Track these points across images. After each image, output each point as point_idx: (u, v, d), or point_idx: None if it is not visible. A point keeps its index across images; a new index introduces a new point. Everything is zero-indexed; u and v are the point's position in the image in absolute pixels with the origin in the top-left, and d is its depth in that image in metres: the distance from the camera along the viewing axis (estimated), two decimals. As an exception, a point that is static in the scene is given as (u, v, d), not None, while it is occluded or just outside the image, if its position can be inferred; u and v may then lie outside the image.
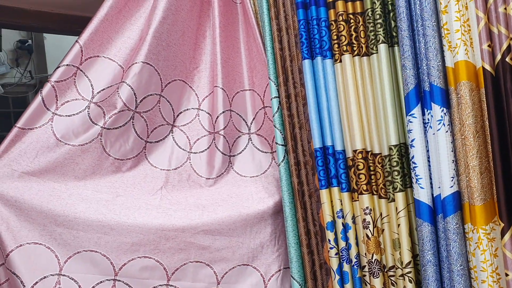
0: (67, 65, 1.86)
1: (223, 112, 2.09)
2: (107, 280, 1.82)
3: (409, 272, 1.63)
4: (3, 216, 1.71)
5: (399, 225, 1.65)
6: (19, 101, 4.59)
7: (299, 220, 1.87)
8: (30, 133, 1.79)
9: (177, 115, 2.13)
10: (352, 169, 1.77)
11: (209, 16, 2.20)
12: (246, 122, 2.18)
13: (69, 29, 2.35)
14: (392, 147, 1.66)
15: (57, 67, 1.85)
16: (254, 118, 2.17)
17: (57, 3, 2.15)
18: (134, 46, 2.01)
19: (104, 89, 1.92)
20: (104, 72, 1.95)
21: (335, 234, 1.82)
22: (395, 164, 1.66)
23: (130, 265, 1.82)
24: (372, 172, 1.75)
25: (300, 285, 1.85)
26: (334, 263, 1.81)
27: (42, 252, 1.75)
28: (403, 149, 1.68)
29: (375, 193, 1.75)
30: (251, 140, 2.16)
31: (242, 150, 2.15)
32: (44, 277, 1.75)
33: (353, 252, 1.79)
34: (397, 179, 1.65)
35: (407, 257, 1.64)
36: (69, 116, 1.86)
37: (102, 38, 1.95)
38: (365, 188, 1.74)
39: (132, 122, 1.96)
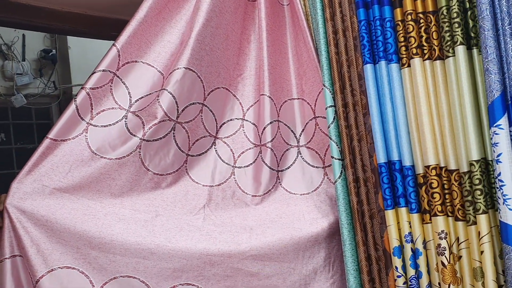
0: (103, 70, 1.69)
1: (270, 122, 1.91)
2: (145, 309, 1.63)
3: (496, 307, 1.42)
4: (33, 237, 1.53)
5: (482, 252, 1.43)
6: (42, 112, 4.46)
7: (358, 244, 1.67)
8: (63, 145, 1.62)
9: (220, 126, 1.95)
10: (424, 187, 1.57)
11: (253, 19, 2.03)
12: (294, 134, 1.98)
13: (103, 33, 2.19)
14: (474, 163, 1.45)
15: (93, 73, 1.68)
16: (303, 130, 1.98)
17: (91, 4, 1.98)
18: (175, 50, 1.84)
19: (142, 97, 1.75)
20: (142, 78, 1.78)
21: (403, 260, 1.61)
22: (477, 182, 1.45)
23: (172, 293, 1.64)
24: (447, 191, 1.54)
25: (359, 316, 1.64)
26: (401, 294, 1.60)
27: (75, 278, 1.57)
28: (483, 165, 1.47)
29: (450, 214, 1.54)
30: (300, 154, 1.96)
31: (291, 165, 1.95)
32: (78, 306, 1.56)
33: (424, 281, 1.58)
34: (479, 199, 1.44)
35: (492, 289, 1.42)
36: (105, 126, 1.68)
37: (140, 41, 1.79)
38: (439, 209, 1.54)
39: (173, 133, 1.78)
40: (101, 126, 1.68)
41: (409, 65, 1.59)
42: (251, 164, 1.92)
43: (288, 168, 1.96)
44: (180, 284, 1.64)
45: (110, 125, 1.69)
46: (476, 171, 1.45)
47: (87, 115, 1.67)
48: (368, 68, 1.66)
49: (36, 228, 1.53)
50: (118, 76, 1.73)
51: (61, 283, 1.55)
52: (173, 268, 1.62)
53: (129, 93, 1.75)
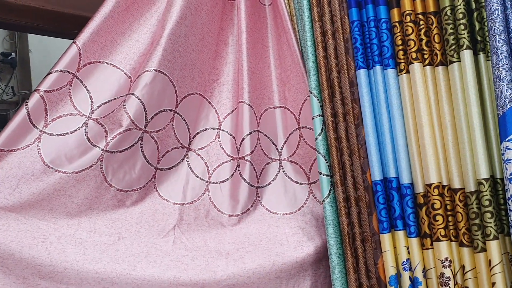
0: (61, 70, 1.47)
1: (249, 133, 1.71)
2: None
3: None
4: (-30, 266, 1.29)
5: (494, 283, 1.26)
6: (0, 119, 4.17)
7: (349, 272, 1.48)
8: (11, 156, 1.39)
9: (194, 136, 1.74)
10: (424, 208, 1.40)
11: (232, 19, 1.85)
12: (276, 146, 1.79)
13: (64, 30, 1.96)
14: (483, 182, 1.28)
15: (48, 73, 1.46)
16: (286, 141, 1.79)
17: (49, -3, 1.76)
18: (144, 51, 1.64)
19: (106, 102, 1.54)
20: (106, 81, 1.57)
21: (400, 290, 1.43)
22: (487, 203, 1.28)
23: (136, 329, 1.41)
24: (450, 213, 1.37)
25: None
26: (398, 328, 1.42)
27: (20, 314, 1.33)
28: (492, 184, 1.31)
29: (454, 239, 1.37)
30: (282, 168, 1.77)
31: (272, 180, 1.76)
32: None
33: (424, 314, 1.40)
34: (490, 223, 1.28)
35: (505, 325, 1.26)
36: (61, 135, 1.46)
37: (105, 40, 1.57)
38: (442, 233, 1.36)
39: (141, 144, 1.56)
40: (57, 134, 1.46)
41: (407, 71, 1.44)
42: (227, 179, 1.72)
43: (268, 184, 1.76)
44: None
45: (67, 133, 1.47)
46: (486, 191, 1.28)
47: (40, 121, 1.44)
48: (362, 73, 1.49)
49: (-27, 255, 1.29)
50: (78, 78, 1.51)
51: (2, 322, 1.31)
52: None
53: (90, 97, 1.53)
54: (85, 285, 1.37)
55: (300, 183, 1.76)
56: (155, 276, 1.42)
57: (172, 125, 1.66)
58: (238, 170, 1.71)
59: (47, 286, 1.35)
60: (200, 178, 1.71)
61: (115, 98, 1.55)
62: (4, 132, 1.39)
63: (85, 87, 1.53)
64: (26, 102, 1.42)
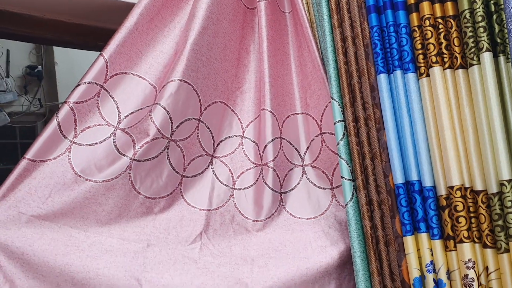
0: (89, 82, 1.52)
1: (272, 140, 1.74)
2: None
3: None
4: (7, 273, 1.34)
5: (518, 284, 1.27)
6: (27, 131, 4.26)
7: (373, 274, 1.49)
8: (43, 166, 1.44)
9: (218, 144, 1.78)
10: (447, 211, 1.41)
11: (253, 27, 1.88)
12: (299, 152, 1.82)
13: (89, 43, 2.02)
14: (505, 183, 1.29)
15: (77, 85, 1.51)
16: (308, 147, 1.82)
17: (75, 11, 1.81)
18: (168, 61, 1.68)
19: (133, 112, 1.58)
20: (133, 92, 1.61)
21: (425, 293, 1.44)
22: (509, 204, 1.29)
23: (167, 333, 1.45)
24: (473, 215, 1.38)
25: None
26: (423, 330, 1.42)
27: (55, 319, 1.38)
28: (514, 185, 1.32)
29: (477, 241, 1.38)
30: (305, 174, 1.79)
31: (296, 186, 1.78)
32: None
33: (449, 316, 1.40)
34: (513, 223, 1.28)
35: (530, 326, 1.26)
36: (90, 145, 1.51)
37: (130, 51, 1.62)
38: (466, 234, 1.37)
39: (167, 152, 1.61)
40: (86, 144, 1.50)
41: (428, 75, 1.45)
42: (251, 185, 1.75)
43: (292, 189, 1.78)
44: None
45: (96, 143, 1.51)
46: (508, 192, 1.29)
47: (70, 132, 1.50)
48: (382, 78, 1.51)
49: (10, 262, 1.35)
50: (105, 89, 1.56)
51: (39, 326, 1.36)
52: None
53: (117, 108, 1.58)
54: (116, 292, 1.42)
55: (323, 188, 1.77)
56: (182, 284, 1.46)
57: (197, 133, 1.70)
58: (262, 177, 1.74)
59: (80, 292, 1.40)
60: (225, 184, 1.74)
61: (141, 108, 1.59)
62: (36, 143, 1.44)
63: (112, 97, 1.58)
64: (56, 113, 1.47)
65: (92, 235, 1.47)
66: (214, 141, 1.76)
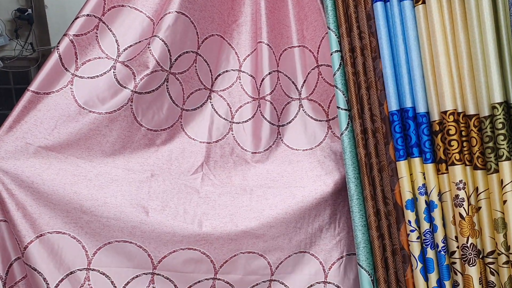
0: (87, 15, 1.52)
1: (269, 73, 1.77)
2: (144, 274, 1.53)
3: (519, 259, 1.34)
4: (19, 200, 1.40)
5: (505, 201, 1.34)
6: (20, 76, 4.23)
7: (366, 199, 1.56)
8: (47, 98, 1.47)
9: (216, 78, 1.80)
10: (440, 135, 1.46)
11: (248, -43, 1.86)
12: (295, 85, 1.85)
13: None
14: (497, 106, 1.34)
15: (76, 18, 1.51)
16: (305, 80, 1.85)
17: None
18: (164, -7, 1.68)
19: (131, 45, 1.59)
20: (131, 25, 1.61)
21: (417, 214, 1.51)
22: (500, 126, 1.34)
23: (172, 257, 1.53)
24: (464, 138, 1.43)
25: (369, 274, 1.55)
26: (415, 249, 1.51)
27: (67, 243, 1.45)
28: (506, 108, 1.36)
29: (468, 163, 1.44)
30: (302, 107, 1.83)
31: (292, 119, 1.83)
32: (71, 273, 1.45)
33: (439, 235, 1.48)
34: (502, 145, 1.34)
35: (516, 240, 1.34)
36: (92, 78, 1.53)
37: None
38: (457, 157, 1.43)
39: (167, 85, 1.63)
40: (88, 77, 1.53)
41: (423, 2, 1.46)
42: (249, 119, 1.79)
43: (289, 122, 1.83)
44: (181, 248, 1.53)
45: (97, 76, 1.54)
46: (499, 114, 1.34)
47: (71, 65, 1.51)
48: (378, 6, 1.52)
49: (21, 191, 1.40)
50: (104, 22, 1.57)
51: (51, 249, 1.43)
52: (173, 233, 1.51)
53: (116, 41, 1.59)
54: (123, 219, 1.48)
55: (319, 120, 1.82)
56: (186, 212, 1.53)
57: (195, 66, 1.72)
58: (260, 110, 1.78)
59: (89, 220, 1.47)
60: (224, 118, 1.78)
61: (139, 41, 1.60)
62: (38, 76, 1.46)
63: (111, 30, 1.58)
64: (57, 46, 1.49)
65: (98, 165, 1.52)
66: (212, 74, 1.79)
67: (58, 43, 1.49)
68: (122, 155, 1.58)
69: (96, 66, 1.54)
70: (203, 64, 1.75)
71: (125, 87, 1.55)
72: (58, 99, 1.47)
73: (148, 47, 1.57)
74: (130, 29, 1.60)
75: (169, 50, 1.59)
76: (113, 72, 1.55)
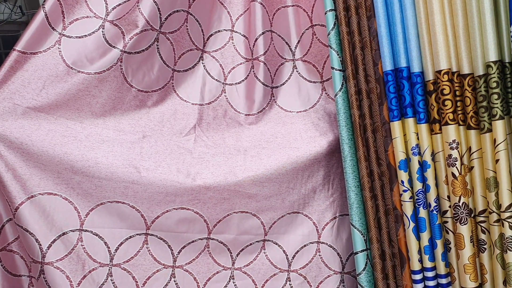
0: (74, -28, 1.48)
1: (262, 33, 1.74)
2: (137, 234, 1.53)
3: (510, 217, 1.34)
4: (8, 161, 1.38)
5: (497, 160, 1.34)
6: (10, 40, 4.15)
7: (360, 160, 1.56)
8: (34, 58, 1.43)
9: (207, 38, 1.77)
10: (434, 95, 1.44)
11: None
12: (289, 46, 1.82)
13: None
14: (491, 64, 1.32)
15: (62, -26, 1.47)
16: (299, 41, 1.82)
17: None
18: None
19: (120, 4, 1.55)
20: (118, -18, 1.57)
21: (409, 174, 1.51)
22: (494, 85, 1.32)
23: (165, 217, 1.53)
24: (458, 98, 1.42)
25: (362, 234, 1.56)
26: (407, 209, 1.51)
27: (58, 204, 1.45)
28: (500, 67, 1.34)
29: (462, 123, 1.43)
30: (296, 68, 1.81)
31: (286, 81, 1.81)
32: (63, 234, 1.45)
33: (432, 194, 1.49)
34: (496, 104, 1.33)
35: (507, 198, 1.34)
36: (80, 37, 1.49)
37: None
38: (451, 117, 1.42)
39: (157, 45, 1.60)
40: (76, 37, 1.49)
41: (419, -42, 1.42)
42: (243, 80, 1.76)
43: (283, 84, 1.81)
44: (174, 208, 1.53)
45: (85, 35, 1.50)
46: (494, 73, 1.32)
47: (58, 24, 1.48)
48: (373, -37, 1.49)
49: (10, 152, 1.39)
50: None
51: (43, 210, 1.43)
52: (166, 193, 1.51)
53: (104, -1, 1.55)
54: (115, 179, 1.47)
55: (313, 82, 1.80)
56: (179, 172, 1.52)
57: (186, 26, 1.68)
58: (253, 71, 1.75)
59: (81, 180, 1.46)
60: (216, 80, 1.76)
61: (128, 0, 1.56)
62: (24, 35, 1.42)
63: (98, -12, 1.54)
64: (43, 5, 1.45)
65: (88, 127, 1.50)
66: (204, 35, 1.75)
67: (44, 1, 1.45)
68: (113, 116, 1.56)
69: (84, 25, 1.50)
70: (194, 23, 1.71)
71: (114, 47, 1.51)
72: (45, 59, 1.44)
73: (137, 6, 1.53)
74: (118, -13, 1.56)
75: (159, 8, 1.55)
76: (102, 31, 1.51)
